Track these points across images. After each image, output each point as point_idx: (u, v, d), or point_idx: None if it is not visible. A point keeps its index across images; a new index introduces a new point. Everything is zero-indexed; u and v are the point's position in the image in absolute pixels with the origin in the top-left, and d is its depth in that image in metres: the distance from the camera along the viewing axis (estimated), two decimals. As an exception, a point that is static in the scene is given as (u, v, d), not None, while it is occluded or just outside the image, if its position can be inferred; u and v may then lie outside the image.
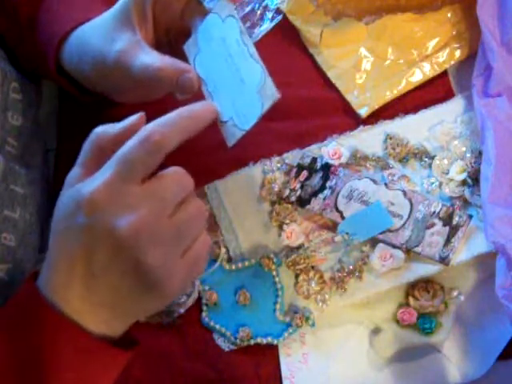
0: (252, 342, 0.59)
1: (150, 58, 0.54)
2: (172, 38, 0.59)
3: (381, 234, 0.60)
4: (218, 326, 0.60)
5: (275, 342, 0.59)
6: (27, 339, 0.44)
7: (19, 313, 0.45)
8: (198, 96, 0.55)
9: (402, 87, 0.67)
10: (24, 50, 0.64)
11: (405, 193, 0.61)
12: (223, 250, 0.62)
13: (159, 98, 0.60)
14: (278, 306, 0.59)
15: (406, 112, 0.66)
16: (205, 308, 0.61)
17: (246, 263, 0.61)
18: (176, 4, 0.57)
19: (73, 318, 0.44)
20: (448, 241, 0.59)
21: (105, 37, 0.55)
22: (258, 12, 0.74)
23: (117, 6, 0.57)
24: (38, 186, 0.64)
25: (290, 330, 0.59)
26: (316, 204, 0.62)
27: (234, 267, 0.61)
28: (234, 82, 0.53)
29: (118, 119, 0.72)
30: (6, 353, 0.44)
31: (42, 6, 0.62)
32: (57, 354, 0.43)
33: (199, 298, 0.61)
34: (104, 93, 0.61)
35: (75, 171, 0.47)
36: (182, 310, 0.60)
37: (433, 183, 0.62)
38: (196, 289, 0.61)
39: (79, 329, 0.44)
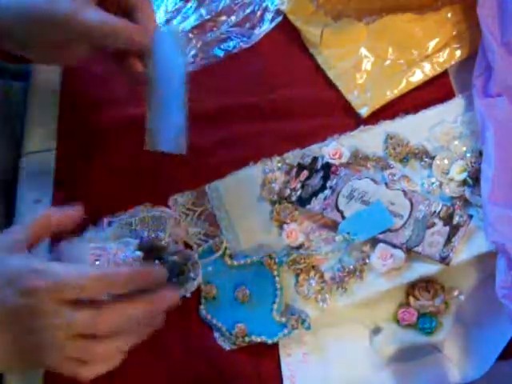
0: (247, 339, 0.59)
1: (105, 16, 0.55)
2: None
3: (381, 233, 0.60)
4: (214, 320, 0.60)
5: (269, 341, 0.59)
6: None
7: None
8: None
9: (402, 87, 0.67)
10: None
11: (405, 193, 0.61)
12: (225, 244, 0.62)
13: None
14: (275, 306, 0.59)
15: (407, 112, 0.66)
16: (203, 301, 0.61)
17: (249, 261, 0.61)
18: None
19: None
20: (448, 240, 0.59)
21: None
22: (258, 13, 0.74)
23: None
24: None
25: (285, 331, 0.59)
26: (316, 204, 0.62)
27: (236, 263, 0.61)
28: (165, 98, 0.54)
29: (118, 120, 0.73)
30: None
31: None
32: None
33: (198, 291, 0.61)
34: (17, 46, 0.60)
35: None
36: (188, 295, 0.60)
37: (433, 183, 0.62)
38: (200, 274, 0.61)
39: None
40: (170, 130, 0.53)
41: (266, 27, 0.73)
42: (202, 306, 0.61)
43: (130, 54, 0.58)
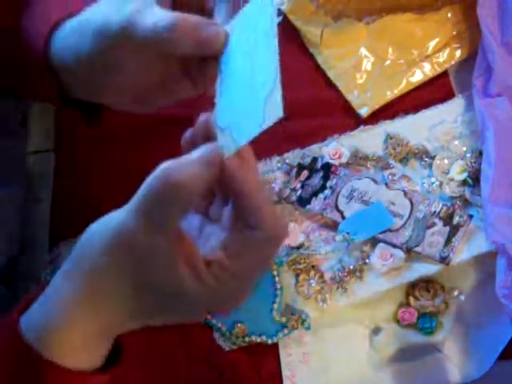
0: (247, 339, 0.59)
1: (164, 13, 0.46)
2: None
3: (381, 233, 0.60)
4: (214, 320, 0.60)
5: (269, 341, 0.59)
6: (11, 378, 0.42)
7: (1, 352, 0.42)
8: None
9: (402, 87, 0.67)
10: (14, 77, 0.58)
11: (405, 192, 0.61)
12: None
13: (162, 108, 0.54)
14: (275, 306, 0.59)
15: (407, 112, 0.66)
16: (203, 301, 0.61)
17: (248, 261, 0.61)
18: None
19: (64, 358, 0.41)
20: (448, 240, 0.59)
21: (115, 6, 0.48)
22: (258, 13, 0.74)
23: None
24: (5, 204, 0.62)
25: (286, 331, 0.59)
26: (316, 204, 0.62)
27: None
28: (246, 83, 0.43)
29: (118, 120, 0.73)
30: None
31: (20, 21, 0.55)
32: None
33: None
34: (102, 88, 0.53)
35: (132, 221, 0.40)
36: None
37: (433, 183, 0.62)
38: None
39: (68, 371, 0.41)
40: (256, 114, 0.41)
41: (266, 27, 0.73)
42: (201, 307, 0.61)
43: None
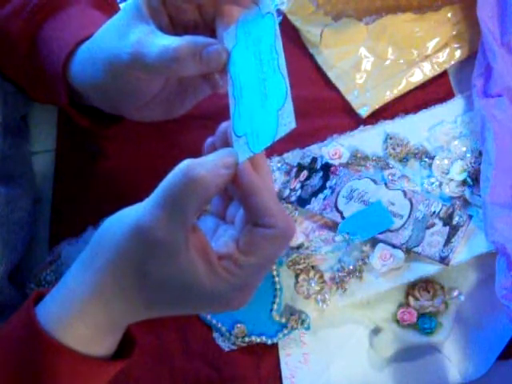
0: (246, 339, 0.59)
1: (167, 40, 0.48)
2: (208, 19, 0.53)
3: (381, 233, 0.60)
4: (214, 321, 0.60)
5: (269, 341, 0.59)
6: (25, 365, 0.44)
7: (17, 339, 0.45)
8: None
9: (402, 87, 0.67)
10: (29, 84, 0.63)
11: (405, 193, 0.61)
12: None
13: (179, 117, 0.57)
14: (275, 306, 0.59)
15: (406, 112, 0.66)
16: (203, 301, 0.61)
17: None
18: None
19: (77, 347, 0.44)
20: (448, 241, 0.59)
21: (117, 34, 0.51)
22: (258, 13, 0.74)
23: (126, 3, 0.54)
24: (18, 203, 0.63)
25: (285, 331, 0.59)
26: (316, 204, 0.62)
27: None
28: (258, 94, 0.45)
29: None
30: (3, 376, 0.44)
31: (38, 35, 0.59)
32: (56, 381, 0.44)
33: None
34: (120, 106, 0.56)
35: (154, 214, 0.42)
36: None
37: (433, 183, 0.62)
38: None
39: (81, 357, 0.44)
40: (269, 122, 0.44)
41: (266, 27, 0.73)
42: (201, 307, 0.61)
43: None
